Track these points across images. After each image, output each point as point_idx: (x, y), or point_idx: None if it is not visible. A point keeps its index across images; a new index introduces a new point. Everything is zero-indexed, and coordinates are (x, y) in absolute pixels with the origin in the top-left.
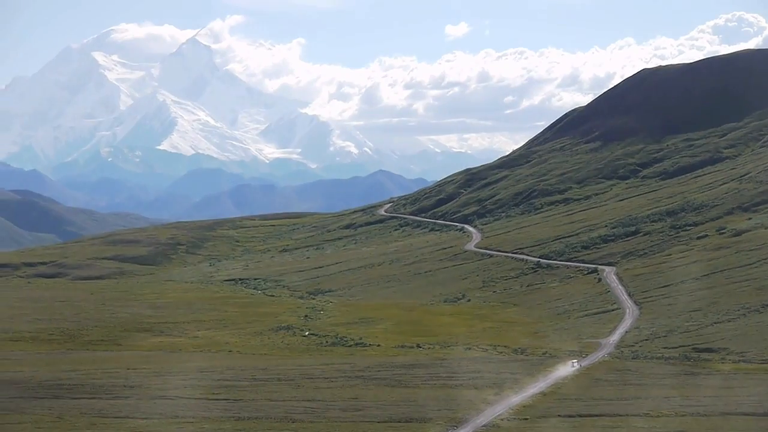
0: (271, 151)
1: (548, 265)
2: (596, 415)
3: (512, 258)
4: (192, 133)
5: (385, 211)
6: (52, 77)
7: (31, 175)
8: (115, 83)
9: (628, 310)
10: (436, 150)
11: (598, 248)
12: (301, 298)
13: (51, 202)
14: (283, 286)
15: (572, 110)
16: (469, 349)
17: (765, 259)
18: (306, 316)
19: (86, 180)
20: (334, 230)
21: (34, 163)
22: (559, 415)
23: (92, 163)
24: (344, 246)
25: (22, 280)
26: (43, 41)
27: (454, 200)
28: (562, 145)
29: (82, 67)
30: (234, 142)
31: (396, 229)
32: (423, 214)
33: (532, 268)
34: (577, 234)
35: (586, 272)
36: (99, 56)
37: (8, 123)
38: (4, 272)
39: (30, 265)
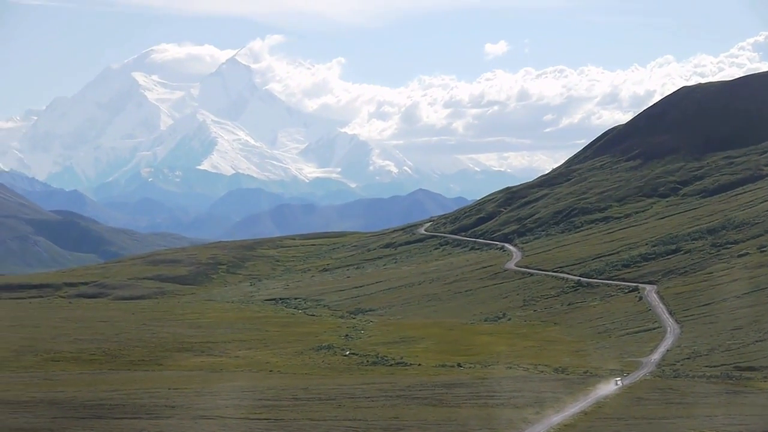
0: (311, 171)
1: (589, 284)
2: None
3: (553, 277)
4: (232, 152)
5: (425, 230)
6: (93, 98)
7: (71, 196)
8: (155, 103)
9: (669, 329)
10: (476, 169)
11: (639, 267)
12: (342, 317)
13: (92, 222)
14: (324, 306)
15: (612, 128)
16: (510, 368)
17: None
18: (347, 335)
19: (127, 200)
20: (374, 249)
21: (74, 184)
22: None
23: (132, 184)
24: (384, 265)
25: (63, 301)
26: (83, 62)
27: (494, 219)
28: (602, 163)
29: (123, 88)
30: (274, 162)
31: (436, 248)
32: (463, 233)
33: (573, 286)
34: (617, 252)
35: (626, 291)
36: (139, 76)
37: (49, 143)
38: (46, 292)
39: (71, 285)
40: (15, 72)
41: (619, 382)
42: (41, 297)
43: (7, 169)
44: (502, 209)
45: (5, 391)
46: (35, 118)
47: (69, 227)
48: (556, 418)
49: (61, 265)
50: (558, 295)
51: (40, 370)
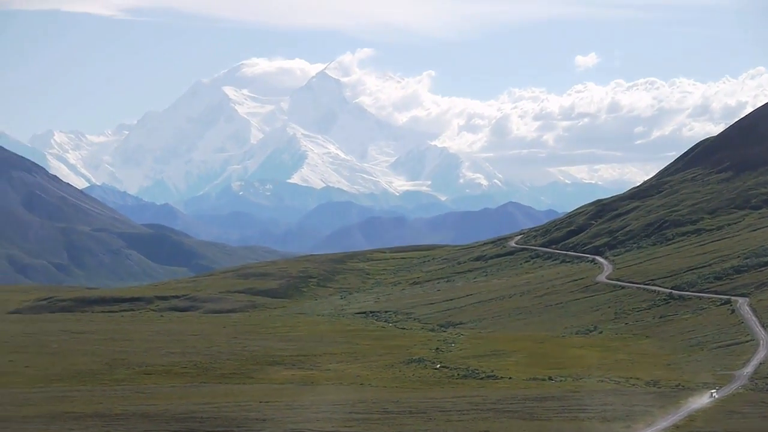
0: (401, 184)
1: (680, 297)
2: None
3: (644, 289)
4: (322, 166)
5: (516, 243)
6: (184, 112)
7: (163, 209)
8: (245, 117)
9: (762, 342)
10: (566, 181)
11: (731, 279)
12: (432, 330)
13: (183, 236)
14: (414, 319)
15: (703, 140)
16: (601, 381)
17: None
18: (437, 348)
19: (218, 213)
20: (465, 262)
21: (166, 197)
22: None
23: (223, 197)
24: (475, 278)
25: (155, 314)
26: (174, 76)
27: (585, 231)
28: (694, 175)
29: (213, 102)
30: (364, 175)
31: (526, 261)
32: (553, 246)
33: (665, 299)
34: (709, 265)
35: (719, 303)
36: (230, 91)
37: (141, 158)
38: (138, 306)
39: (163, 298)
40: (107, 87)
41: (714, 394)
42: (133, 310)
43: (99, 183)
44: (592, 222)
45: (98, 404)
46: (127, 132)
47: (160, 241)
48: (647, 431)
49: (152, 279)
50: (649, 308)
51: (132, 383)
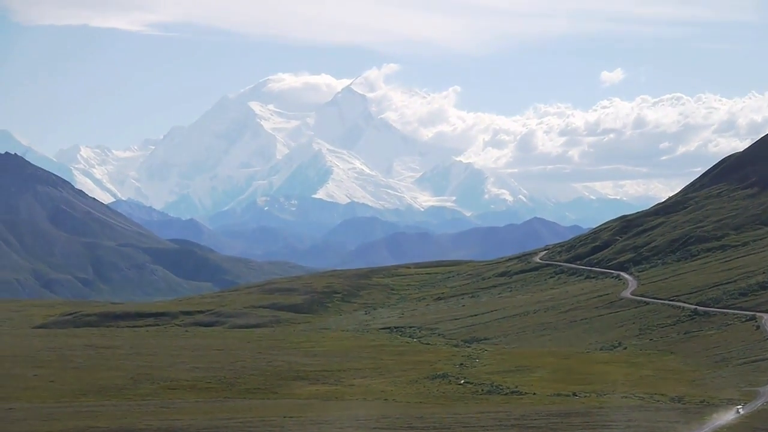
0: (426, 199)
1: (705, 313)
2: None
3: (669, 305)
4: (347, 181)
5: (540, 259)
6: (210, 127)
7: (188, 225)
8: (271, 133)
9: None
10: (591, 197)
11: (756, 295)
12: (456, 346)
13: (208, 251)
14: (439, 334)
15: (729, 156)
16: (626, 397)
17: None
18: (461, 364)
19: (243, 229)
20: (489, 278)
21: (191, 212)
22: None
23: (249, 212)
24: (499, 294)
25: (180, 329)
26: (200, 92)
27: (610, 247)
28: (719, 191)
29: (239, 117)
30: (389, 191)
31: (551, 277)
32: (578, 262)
33: (689, 315)
34: (734, 281)
35: (743, 320)
36: (255, 106)
37: (166, 173)
38: (163, 321)
39: (188, 313)
40: (133, 102)
41: (740, 410)
42: (158, 325)
43: (125, 199)
44: (617, 237)
45: (123, 419)
46: (153, 147)
47: (186, 256)
48: None
49: (177, 294)
50: (674, 324)
51: (156, 398)
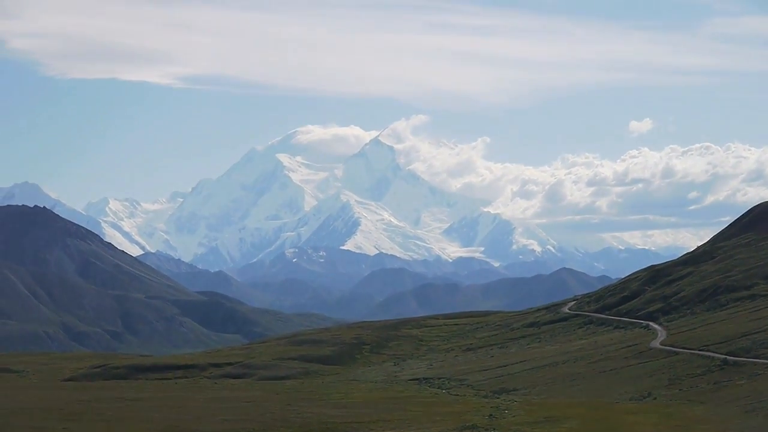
0: (454, 250)
1: (735, 362)
2: None
3: (698, 355)
4: (375, 233)
5: (569, 309)
6: (238, 179)
7: (217, 277)
8: (299, 184)
9: None
10: (620, 247)
11: None
12: (485, 397)
13: (237, 303)
14: (467, 385)
15: (757, 205)
16: None
17: None
18: (490, 415)
19: (271, 281)
20: (518, 328)
21: (219, 265)
22: None
23: (277, 264)
24: (528, 344)
25: (208, 381)
26: (228, 144)
27: (639, 297)
28: (748, 240)
29: (267, 169)
30: (417, 242)
31: (580, 327)
32: (607, 312)
33: (719, 365)
34: (764, 330)
35: None
36: (284, 158)
37: (195, 225)
38: (192, 373)
39: (217, 365)
40: (161, 155)
41: None
42: (187, 377)
43: (153, 251)
44: (646, 287)
45: None
46: (181, 200)
47: (214, 308)
48: None
49: (206, 346)
50: (704, 374)
51: None
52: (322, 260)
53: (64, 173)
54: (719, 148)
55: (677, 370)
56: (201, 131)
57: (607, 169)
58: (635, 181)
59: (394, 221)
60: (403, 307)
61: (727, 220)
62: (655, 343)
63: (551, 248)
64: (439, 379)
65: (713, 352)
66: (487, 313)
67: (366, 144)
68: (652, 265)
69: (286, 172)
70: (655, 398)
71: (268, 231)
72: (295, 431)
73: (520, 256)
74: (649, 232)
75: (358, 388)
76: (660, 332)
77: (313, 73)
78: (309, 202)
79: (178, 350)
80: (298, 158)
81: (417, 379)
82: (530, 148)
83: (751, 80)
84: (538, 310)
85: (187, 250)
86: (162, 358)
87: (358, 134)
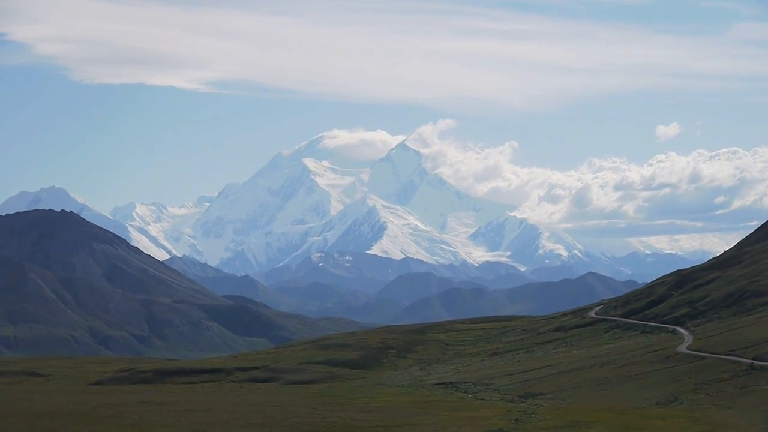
0: (480, 255)
1: (762, 367)
2: None
3: (725, 360)
4: (401, 237)
5: (595, 314)
6: (264, 184)
7: (243, 281)
8: (325, 189)
9: None
10: (647, 252)
11: None
12: (512, 401)
13: (263, 308)
14: (494, 390)
15: None
16: None
17: None
18: (517, 419)
19: (297, 285)
20: (545, 333)
21: (246, 269)
22: None
23: (303, 269)
24: (555, 349)
25: (235, 385)
26: (254, 149)
27: (665, 302)
28: None
29: (294, 174)
30: (443, 246)
31: (606, 332)
32: (633, 316)
33: (746, 369)
34: None
35: None
36: (310, 162)
37: (221, 230)
38: (218, 377)
39: (243, 369)
40: (189, 159)
41: None
42: (213, 381)
43: (180, 255)
44: (673, 292)
45: None
46: (208, 204)
47: (241, 312)
48: None
49: (232, 350)
50: (730, 379)
51: None
52: (348, 265)
53: (91, 178)
54: (746, 153)
55: (703, 375)
56: (227, 136)
57: (634, 173)
58: (662, 186)
59: (421, 226)
60: (429, 311)
61: (754, 224)
62: (682, 348)
63: (578, 253)
64: (466, 383)
65: (740, 356)
66: (513, 318)
67: (392, 148)
68: (678, 270)
69: (313, 177)
70: (681, 403)
71: (294, 235)
72: None
73: (547, 261)
74: (676, 237)
75: (384, 392)
76: (686, 337)
77: (339, 77)
78: (335, 207)
79: (204, 354)
80: (325, 163)
81: (443, 384)
82: (557, 152)
83: None
84: (565, 314)
85: (213, 254)
86: (188, 362)
87: (384, 139)
